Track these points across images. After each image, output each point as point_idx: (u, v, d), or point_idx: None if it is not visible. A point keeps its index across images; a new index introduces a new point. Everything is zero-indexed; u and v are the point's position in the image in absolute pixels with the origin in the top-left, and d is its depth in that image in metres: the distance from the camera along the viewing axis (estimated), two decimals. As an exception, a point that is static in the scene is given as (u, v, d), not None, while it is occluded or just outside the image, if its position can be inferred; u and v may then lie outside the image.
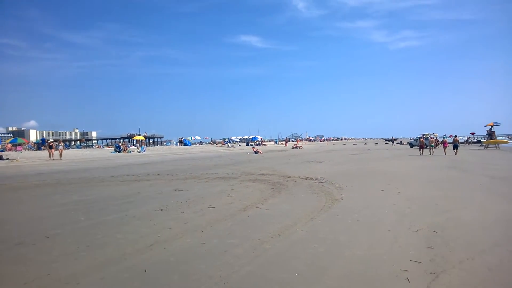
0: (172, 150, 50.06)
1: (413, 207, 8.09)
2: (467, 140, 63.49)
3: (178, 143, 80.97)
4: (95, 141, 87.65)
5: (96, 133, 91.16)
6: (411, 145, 49.80)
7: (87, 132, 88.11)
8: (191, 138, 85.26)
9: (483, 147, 43.91)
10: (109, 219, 7.38)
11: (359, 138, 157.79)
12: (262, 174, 15.55)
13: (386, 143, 75.40)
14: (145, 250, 5.16)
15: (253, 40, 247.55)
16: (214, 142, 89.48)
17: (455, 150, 30.77)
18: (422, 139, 33.92)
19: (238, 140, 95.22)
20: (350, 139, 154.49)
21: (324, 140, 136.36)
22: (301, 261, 4.64)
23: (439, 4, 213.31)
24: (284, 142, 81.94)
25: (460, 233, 5.80)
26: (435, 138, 46.90)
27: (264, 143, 79.90)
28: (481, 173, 15.10)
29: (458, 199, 9.08)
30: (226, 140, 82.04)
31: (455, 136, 34.78)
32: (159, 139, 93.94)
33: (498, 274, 4.11)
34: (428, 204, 8.42)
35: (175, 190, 11.16)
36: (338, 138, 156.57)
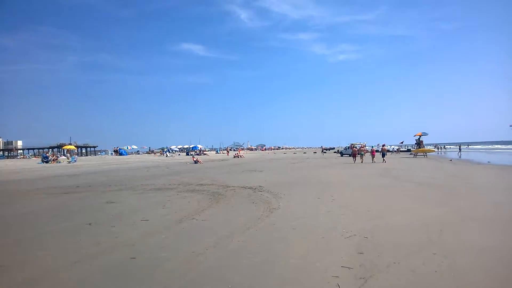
0: (106, 160, 48.30)
1: (347, 214, 8.54)
2: (398, 149, 68.11)
3: (113, 152, 78.44)
4: (20, 150, 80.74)
5: (22, 142, 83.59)
6: (341, 153, 55.08)
7: (12, 141, 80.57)
8: (128, 148, 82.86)
9: (412, 156, 47.80)
10: (29, 235, 6.90)
11: (299, 147, 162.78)
12: (201, 184, 15.42)
13: (324, 152, 78.60)
14: (69, 268, 4.87)
15: (196, 48, 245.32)
16: (152, 152, 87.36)
17: (383, 158, 33.88)
18: (355, 148, 36.60)
19: (178, 149, 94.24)
20: (290, 148, 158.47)
21: (265, 149, 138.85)
22: (236, 272, 4.67)
23: (375, 20, 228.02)
24: (225, 152, 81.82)
25: (389, 238, 6.22)
26: (361, 147, 50.87)
27: (205, 152, 79.47)
28: (410, 180, 16.45)
29: (388, 205, 9.77)
30: (164, 150, 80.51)
31: (383, 145, 39.05)
32: (92, 149, 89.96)
33: (421, 276, 4.46)
34: (361, 210, 8.96)
35: (107, 203, 10.77)
36: (279, 147, 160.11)
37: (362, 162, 32.74)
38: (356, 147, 46.33)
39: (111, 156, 73.73)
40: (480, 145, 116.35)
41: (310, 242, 6.05)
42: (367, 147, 48.80)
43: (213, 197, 11.70)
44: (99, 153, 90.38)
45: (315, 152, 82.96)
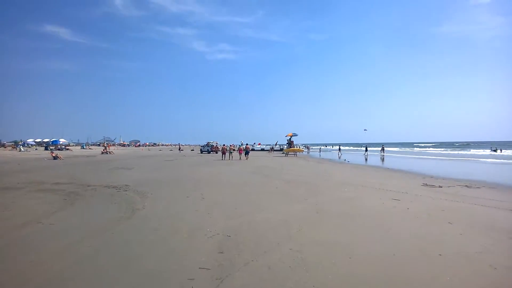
0: None
1: (214, 212, 8.59)
2: (272, 148, 72.23)
3: None
4: None
5: None
6: (201, 151, 60.49)
7: None
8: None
9: (284, 155, 51.11)
10: None
11: (176, 144, 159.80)
12: (57, 183, 13.87)
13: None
14: None
15: (61, 31, 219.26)
16: (3, 146, 74.81)
17: (246, 156, 38.25)
18: (224, 145, 40.15)
19: (35, 143, 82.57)
20: (167, 145, 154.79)
21: (139, 145, 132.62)
22: (83, 282, 4.15)
23: (252, 24, 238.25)
24: (92, 147, 75.34)
25: (251, 236, 6.40)
26: (216, 144, 61.00)
27: (68, 147, 71.64)
28: (279, 178, 17.52)
29: (256, 202, 10.17)
30: (19, 143, 69.77)
31: (247, 144, 44.27)
32: None
33: (276, 272, 4.66)
34: (228, 208, 9.11)
35: None
36: (155, 143, 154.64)
37: (230, 159, 36.01)
38: (212, 145, 58.57)
39: None
40: (347, 146, 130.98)
41: (171, 244, 5.84)
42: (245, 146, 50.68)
43: (68, 197, 10.64)
44: None
45: (193, 150, 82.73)
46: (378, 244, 5.90)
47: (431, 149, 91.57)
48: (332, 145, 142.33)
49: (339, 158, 44.96)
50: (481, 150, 68.12)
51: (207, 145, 60.60)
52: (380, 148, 61.45)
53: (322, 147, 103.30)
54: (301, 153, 57.38)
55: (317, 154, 60.42)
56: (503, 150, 62.09)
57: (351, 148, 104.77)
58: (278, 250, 5.49)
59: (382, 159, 41.80)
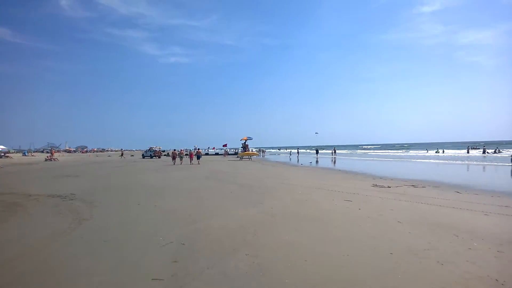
0: None
1: (167, 219, 8.37)
2: (226, 152, 72.09)
3: None
4: None
5: None
6: (143, 156, 61.68)
7: None
8: None
9: (239, 159, 51.16)
10: None
11: (126, 150, 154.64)
12: (-6, 194, 12.74)
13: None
14: None
15: (0, 31, 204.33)
16: None
17: (198, 161, 38.29)
18: (175, 150, 41.78)
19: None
20: (117, 151, 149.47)
21: (86, 151, 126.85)
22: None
23: (206, 27, 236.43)
24: (35, 154, 70.95)
25: (206, 243, 6.29)
26: (159, 149, 63.66)
27: (7, 154, 66.81)
28: (234, 182, 17.49)
29: (211, 207, 10.03)
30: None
31: (198, 149, 43.07)
32: None
33: (232, 278, 4.61)
34: (182, 215, 8.92)
35: None
36: (104, 149, 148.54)
37: (181, 163, 36.44)
38: (156, 150, 60.96)
39: None
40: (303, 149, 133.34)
41: (122, 255, 5.57)
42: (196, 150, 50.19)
43: (8, 209, 9.84)
44: None
45: (132, 155, 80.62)
46: (332, 245, 6.02)
47: (376, 151, 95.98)
48: (286, 148, 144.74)
49: (298, 161, 45.45)
50: (425, 151, 72.46)
51: (150, 150, 62.21)
52: (331, 151, 63.38)
53: (277, 150, 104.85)
54: (255, 156, 57.81)
55: (273, 157, 61.05)
56: (445, 151, 66.47)
57: (303, 151, 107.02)
58: (234, 256, 5.43)
59: (334, 161, 43.07)
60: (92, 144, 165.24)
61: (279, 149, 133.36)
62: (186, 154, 40.98)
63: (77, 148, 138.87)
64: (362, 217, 8.50)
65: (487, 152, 56.77)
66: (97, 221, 8.24)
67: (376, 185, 15.38)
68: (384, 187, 14.67)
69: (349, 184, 16.17)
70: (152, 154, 60.63)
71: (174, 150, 42.79)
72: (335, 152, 61.41)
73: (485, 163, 34.61)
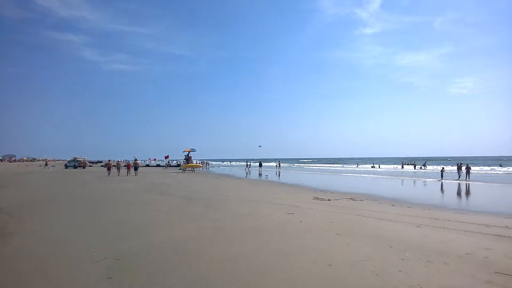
0: None
1: (102, 233, 7.98)
2: (168, 163, 70.64)
3: None
4: None
5: None
6: (66, 166, 61.05)
7: None
8: None
9: (181, 171, 50.19)
10: None
11: (59, 160, 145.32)
12: None
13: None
14: None
15: None
16: None
17: (135, 172, 37.35)
18: (110, 161, 39.79)
19: None
20: (50, 160, 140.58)
21: (15, 160, 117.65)
22: None
23: (155, 36, 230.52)
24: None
25: (145, 258, 6.10)
26: (84, 160, 63.38)
27: None
28: (176, 195, 17.15)
29: (151, 221, 9.74)
30: None
31: (135, 160, 42.04)
32: None
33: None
34: (119, 229, 8.59)
35: None
36: (35, 158, 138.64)
37: (118, 175, 35.57)
38: (80, 160, 61.33)
39: None
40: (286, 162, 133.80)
41: (51, 273, 5.16)
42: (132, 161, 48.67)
43: None
44: None
45: (54, 166, 76.69)
46: (275, 258, 6.08)
47: (313, 165, 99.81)
48: (230, 160, 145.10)
49: (246, 174, 44.99)
50: (355, 166, 76.69)
51: (74, 160, 62.03)
52: (276, 164, 64.51)
53: (221, 162, 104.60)
54: (199, 169, 57.13)
55: (219, 170, 60.68)
56: (381, 166, 70.53)
57: (254, 164, 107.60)
58: (177, 271, 5.27)
59: (278, 174, 43.86)
60: (22, 153, 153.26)
61: (222, 162, 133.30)
62: (125, 165, 39.53)
63: (4, 157, 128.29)
64: (303, 229, 8.70)
65: (417, 168, 61.18)
66: (24, 237, 7.60)
67: (317, 198, 15.88)
68: (325, 200, 15.19)
69: (292, 196, 16.56)
70: (76, 164, 59.66)
71: (109, 160, 40.98)
72: (279, 165, 62.64)
73: (416, 178, 37.21)
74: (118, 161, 40.82)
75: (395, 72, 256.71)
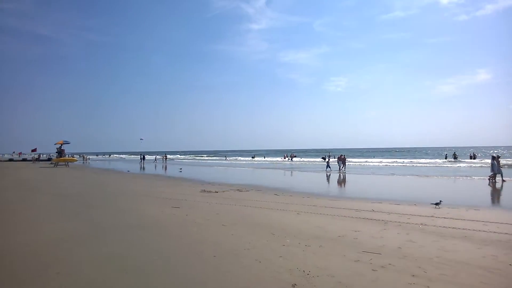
0: None
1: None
2: (37, 157, 63.92)
3: None
4: None
5: None
6: None
7: None
8: None
9: (53, 165, 45.57)
10: None
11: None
12: None
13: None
14: None
15: None
16: None
17: None
18: None
19: None
20: None
21: None
22: None
23: (16, 11, 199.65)
24: None
25: (6, 264, 5.33)
26: None
27: None
28: (47, 192, 15.61)
29: (16, 221, 8.72)
30: None
31: None
32: None
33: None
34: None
35: None
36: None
37: None
38: None
39: None
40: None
41: None
42: None
43: None
44: None
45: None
46: (157, 253, 5.95)
47: (205, 156, 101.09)
48: (110, 154, 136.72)
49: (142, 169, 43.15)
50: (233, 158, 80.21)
51: None
52: (162, 157, 62.89)
53: (101, 156, 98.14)
54: (76, 162, 52.76)
55: (96, 164, 56.53)
56: (265, 157, 74.28)
57: (132, 157, 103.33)
58: (44, 277, 4.73)
59: (165, 168, 42.92)
60: None
61: (103, 155, 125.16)
62: None
63: None
64: (189, 222, 8.71)
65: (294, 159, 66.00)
66: None
67: (204, 191, 16.01)
68: (212, 192, 15.42)
69: (178, 190, 16.41)
70: None
71: None
72: (166, 158, 61.27)
73: (297, 168, 40.18)
74: None
75: (278, 67, 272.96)
